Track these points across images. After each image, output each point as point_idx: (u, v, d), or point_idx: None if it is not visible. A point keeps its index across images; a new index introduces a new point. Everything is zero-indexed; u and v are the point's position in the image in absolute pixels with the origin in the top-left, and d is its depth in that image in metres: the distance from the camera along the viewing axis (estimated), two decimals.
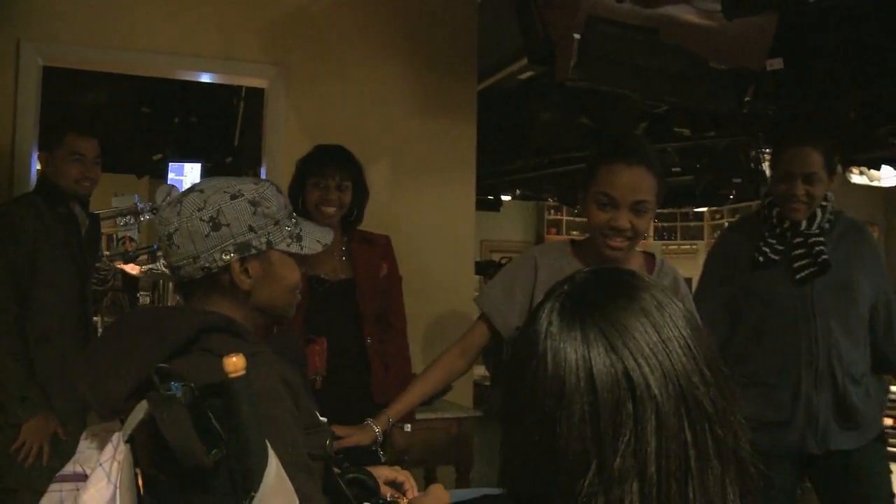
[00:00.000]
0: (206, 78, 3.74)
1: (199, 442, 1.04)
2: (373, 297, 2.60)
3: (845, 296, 2.33)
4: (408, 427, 2.45)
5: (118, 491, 1.12)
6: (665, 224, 13.24)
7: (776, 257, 2.36)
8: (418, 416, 2.70)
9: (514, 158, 7.15)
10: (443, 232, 3.87)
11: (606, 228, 1.84)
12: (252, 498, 1.03)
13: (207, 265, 1.28)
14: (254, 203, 1.30)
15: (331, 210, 2.50)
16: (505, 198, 10.32)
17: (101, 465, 1.14)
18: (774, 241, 2.38)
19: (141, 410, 1.12)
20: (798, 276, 2.32)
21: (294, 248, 1.35)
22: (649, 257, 2.07)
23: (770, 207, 2.42)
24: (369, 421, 1.98)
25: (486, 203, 9.37)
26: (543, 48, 3.24)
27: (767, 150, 6.70)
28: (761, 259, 2.36)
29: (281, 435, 1.12)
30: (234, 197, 1.29)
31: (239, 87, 6.05)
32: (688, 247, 12.96)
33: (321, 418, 1.30)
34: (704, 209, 12.63)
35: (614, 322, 0.77)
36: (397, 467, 1.60)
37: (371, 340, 2.56)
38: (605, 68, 3.10)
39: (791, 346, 2.32)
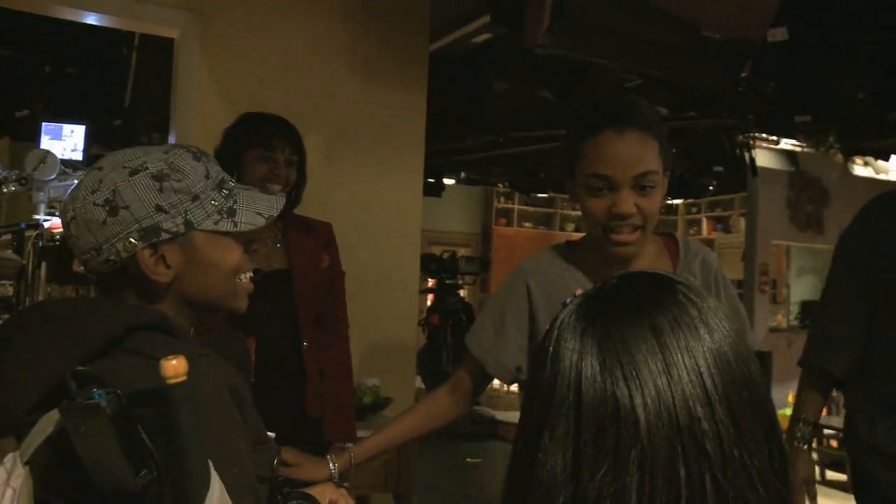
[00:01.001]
0: (95, 20, 3.62)
1: (126, 461, 1.03)
2: (311, 292, 2.61)
3: None
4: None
5: None
6: None
7: None
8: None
9: (462, 136, 7.19)
10: (384, 219, 3.88)
11: (607, 219, 1.66)
12: None
13: (112, 258, 1.24)
14: (159, 177, 1.24)
15: (277, 188, 2.51)
16: (448, 181, 10.36)
17: None
18: None
19: (48, 424, 1.10)
20: None
21: (225, 226, 1.30)
22: (670, 241, 1.87)
23: None
24: (329, 456, 1.94)
25: (427, 187, 9.38)
26: (510, 7, 3.28)
27: (759, 135, 6.88)
28: None
29: (226, 453, 1.11)
30: (133, 172, 1.24)
31: (131, 35, 5.90)
32: None
33: (269, 433, 1.30)
34: (679, 201, 12.92)
35: (615, 337, 0.81)
36: (342, 491, 1.60)
37: (308, 344, 2.57)
38: (582, 34, 3.15)
39: None
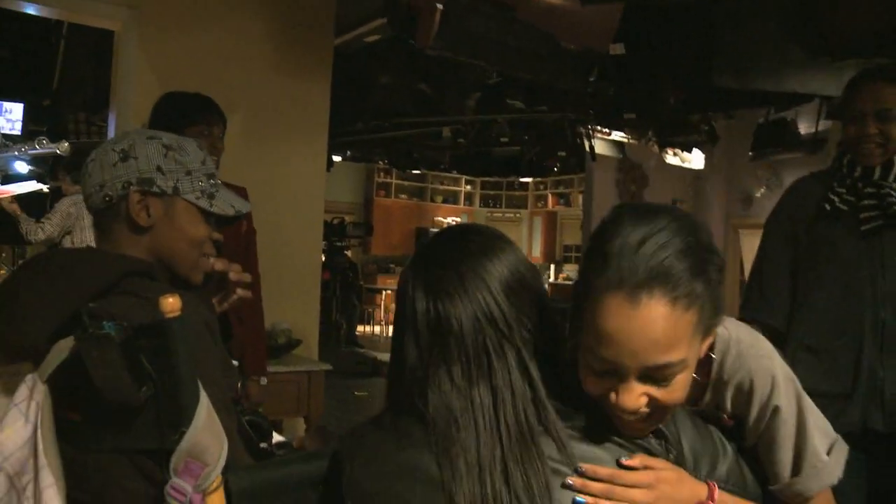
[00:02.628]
0: (39, 11, 3.49)
1: (131, 380, 1.09)
2: (234, 255, 2.49)
3: None
4: (263, 380, 2.48)
5: (39, 431, 1.13)
6: (490, 192, 13.85)
7: (844, 207, 2.10)
8: (270, 370, 2.76)
9: (352, 121, 7.19)
10: (294, 193, 3.88)
11: (609, 406, 1.02)
12: (183, 434, 1.09)
13: (110, 194, 1.31)
14: (168, 147, 1.34)
15: (215, 159, 2.44)
16: (336, 158, 10.33)
17: (16, 405, 1.14)
18: (844, 191, 2.12)
19: (64, 350, 1.14)
20: (864, 228, 2.06)
21: (203, 203, 1.38)
22: (706, 367, 1.17)
23: (841, 156, 2.17)
24: None
25: None
26: (404, 15, 3.34)
27: (597, 127, 7.17)
28: (828, 208, 2.11)
29: (207, 374, 1.17)
30: (150, 138, 1.35)
31: (59, 24, 5.65)
32: (511, 215, 13.64)
33: (233, 361, 1.37)
34: (529, 179, 13.26)
35: (433, 278, 1.07)
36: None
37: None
38: (464, 39, 3.26)
39: (854, 306, 2.04)
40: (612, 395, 1.00)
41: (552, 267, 12.76)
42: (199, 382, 1.12)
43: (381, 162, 11.85)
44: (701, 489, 1.06)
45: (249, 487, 1.15)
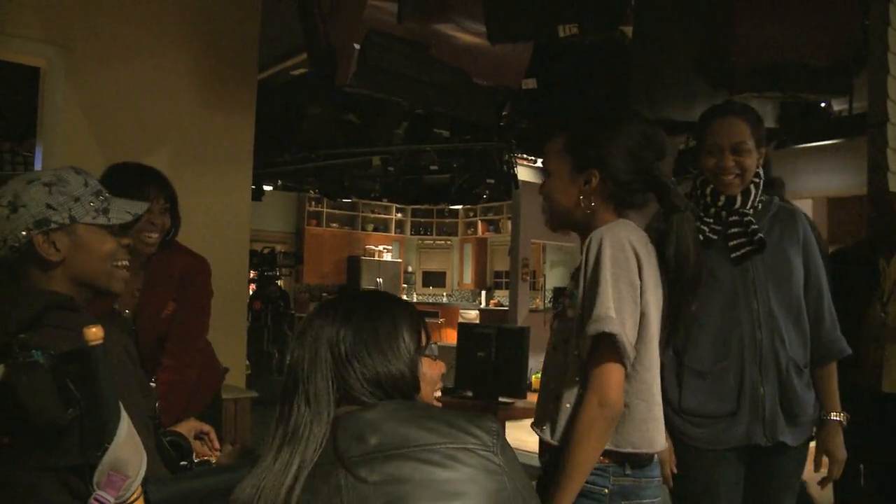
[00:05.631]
0: None
1: (58, 402, 1.22)
2: (152, 336, 2.43)
3: (783, 277, 2.23)
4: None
5: None
6: (421, 220, 14.06)
7: (714, 237, 2.24)
8: None
9: (280, 151, 7.31)
10: (219, 223, 3.99)
11: None
12: (106, 449, 1.23)
13: (14, 244, 1.44)
14: (49, 184, 1.48)
15: (154, 237, 2.42)
16: (267, 188, 10.40)
17: None
18: (711, 221, 2.26)
19: None
20: (734, 255, 2.21)
21: (101, 220, 1.52)
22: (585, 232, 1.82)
23: (703, 186, 2.31)
24: None
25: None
26: (325, 55, 3.52)
27: (519, 155, 7.41)
28: (700, 238, 2.20)
29: (128, 396, 1.32)
30: (30, 182, 1.47)
31: None
32: (442, 242, 13.84)
33: (151, 384, 1.51)
34: (459, 207, 13.50)
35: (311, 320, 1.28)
36: (199, 421, 1.81)
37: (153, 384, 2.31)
38: (381, 77, 3.43)
39: (734, 330, 2.19)
40: None
41: (483, 293, 12.98)
42: (120, 403, 1.26)
43: (312, 191, 11.94)
44: None
45: (166, 497, 1.29)
